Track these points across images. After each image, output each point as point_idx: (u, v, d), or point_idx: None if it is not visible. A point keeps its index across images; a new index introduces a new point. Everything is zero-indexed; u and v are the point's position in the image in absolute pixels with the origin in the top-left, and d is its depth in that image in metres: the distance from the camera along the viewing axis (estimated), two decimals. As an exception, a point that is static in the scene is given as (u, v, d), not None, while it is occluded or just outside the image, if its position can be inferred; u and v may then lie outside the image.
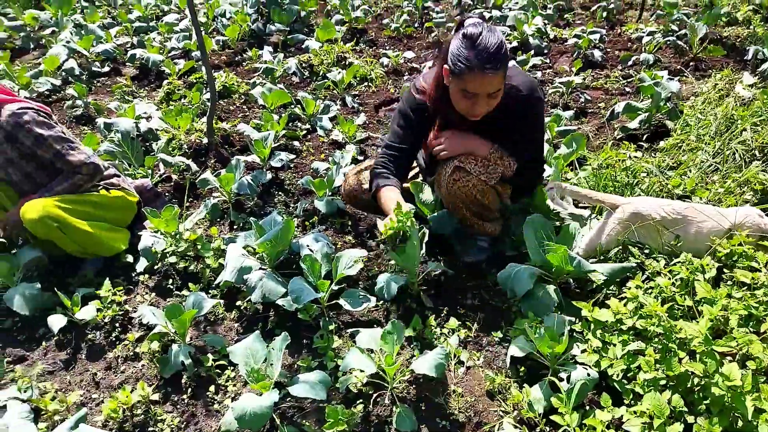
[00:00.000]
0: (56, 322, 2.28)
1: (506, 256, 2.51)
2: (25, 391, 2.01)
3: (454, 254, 2.59)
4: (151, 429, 1.92)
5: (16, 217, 2.41)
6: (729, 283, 1.96)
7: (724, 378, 1.58)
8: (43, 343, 2.32)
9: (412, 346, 2.17)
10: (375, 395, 1.97)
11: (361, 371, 1.99)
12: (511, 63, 2.34)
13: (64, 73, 4.65)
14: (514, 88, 2.15)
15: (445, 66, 2.04)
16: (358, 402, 1.94)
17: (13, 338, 2.35)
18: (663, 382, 1.71)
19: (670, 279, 1.98)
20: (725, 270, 2.05)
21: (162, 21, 6.10)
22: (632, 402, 1.76)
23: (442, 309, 2.34)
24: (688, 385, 1.68)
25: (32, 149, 2.40)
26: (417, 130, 2.34)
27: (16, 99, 2.45)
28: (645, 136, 3.37)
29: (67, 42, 4.92)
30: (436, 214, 2.53)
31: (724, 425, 1.57)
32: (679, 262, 2.02)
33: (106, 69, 5.05)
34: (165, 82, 4.58)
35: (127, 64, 5.13)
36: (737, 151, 2.64)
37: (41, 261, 2.60)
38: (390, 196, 2.21)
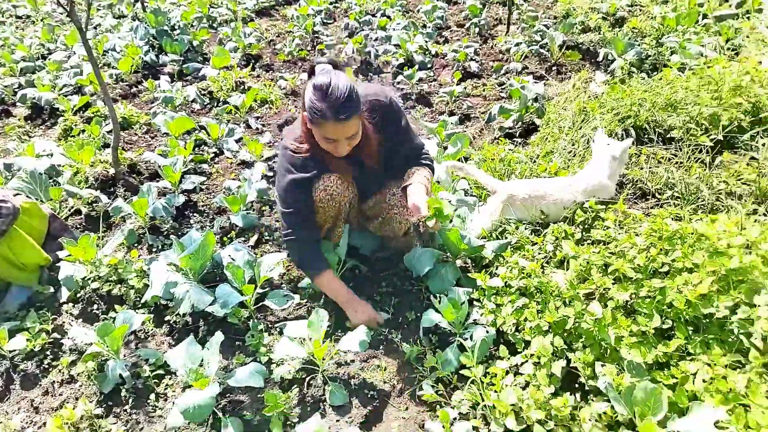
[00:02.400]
0: (-17, 357, 2.30)
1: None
2: (-39, 426, 2.04)
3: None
4: (98, 441, 2.02)
5: None
6: (588, 242, 2.38)
7: (590, 315, 1.96)
8: (-28, 380, 2.33)
9: (338, 333, 2.41)
10: (308, 378, 2.19)
11: (293, 359, 2.20)
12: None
13: (-51, 118, 4.47)
14: (375, 100, 2.28)
15: (304, 113, 2.12)
16: (293, 387, 2.15)
17: (-61, 379, 2.34)
18: (545, 327, 2.07)
19: (540, 246, 2.38)
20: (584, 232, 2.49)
21: (50, 59, 5.96)
22: (524, 349, 2.10)
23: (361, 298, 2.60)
24: (566, 327, 2.03)
25: None
26: (309, 190, 2.36)
27: None
28: (518, 133, 3.86)
29: (-52, 86, 4.72)
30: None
31: (596, 354, 1.94)
32: (547, 232, 2.43)
33: (-4, 111, 4.90)
34: (60, 119, 4.53)
35: (17, 104, 4.99)
36: (590, 136, 3.14)
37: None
38: (336, 286, 2.41)
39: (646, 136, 3.23)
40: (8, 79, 5.41)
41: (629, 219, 2.40)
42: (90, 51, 3.21)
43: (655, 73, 4.33)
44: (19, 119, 4.70)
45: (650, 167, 2.96)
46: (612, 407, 1.75)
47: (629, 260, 2.08)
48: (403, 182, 2.43)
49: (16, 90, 5.17)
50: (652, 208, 2.79)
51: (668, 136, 3.20)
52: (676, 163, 3.00)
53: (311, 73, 2.13)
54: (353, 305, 2.41)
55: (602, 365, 1.88)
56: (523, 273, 2.28)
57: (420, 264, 2.47)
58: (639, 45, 4.79)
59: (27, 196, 2.83)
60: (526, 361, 2.03)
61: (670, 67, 3.86)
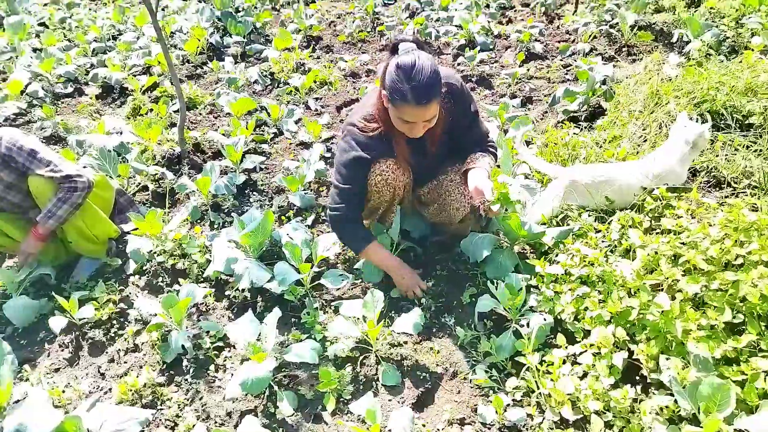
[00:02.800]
0: (57, 323, 2.43)
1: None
2: (37, 386, 2.18)
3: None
4: (160, 407, 2.11)
5: (34, 250, 2.63)
6: (656, 232, 2.27)
7: (656, 307, 1.87)
8: (46, 345, 2.47)
9: (391, 314, 2.41)
10: (361, 357, 2.21)
11: (347, 337, 2.22)
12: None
13: (28, 97, 4.73)
14: (448, 83, 2.21)
15: (383, 92, 2.09)
16: (347, 365, 2.17)
17: (16, 344, 2.49)
18: (607, 317, 2.00)
19: (604, 234, 2.29)
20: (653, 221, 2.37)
21: (120, 40, 6.21)
22: (583, 339, 2.04)
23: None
24: (629, 318, 1.95)
25: (26, 165, 2.48)
26: (368, 171, 2.33)
27: None
28: (583, 116, 3.71)
29: (28, 66, 5.00)
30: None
31: (661, 347, 1.86)
32: (613, 219, 2.33)
33: (70, 89, 5.15)
34: (130, 98, 4.72)
35: (89, 83, 5.23)
36: (662, 121, 2.98)
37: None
38: (384, 255, 2.45)
39: (722, 122, 3.03)
40: (81, 59, 5.67)
41: (702, 208, 2.27)
42: (160, 32, 3.31)
43: (733, 56, 4.05)
44: (90, 98, 4.92)
45: (726, 154, 2.79)
46: (675, 401, 1.68)
47: (702, 251, 1.96)
48: (464, 167, 2.38)
49: (89, 69, 5.42)
50: (726, 197, 2.63)
51: (747, 122, 2.99)
52: (755, 150, 2.81)
53: (394, 50, 2.06)
54: (401, 272, 2.45)
55: (667, 358, 1.79)
56: (585, 261, 2.20)
57: (477, 249, 2.42)
58: (717, 26, 4.49)
59: (96, 171, 2.97)
60: (585, 350, 1.97)
61: (752, 50, 3.60)
